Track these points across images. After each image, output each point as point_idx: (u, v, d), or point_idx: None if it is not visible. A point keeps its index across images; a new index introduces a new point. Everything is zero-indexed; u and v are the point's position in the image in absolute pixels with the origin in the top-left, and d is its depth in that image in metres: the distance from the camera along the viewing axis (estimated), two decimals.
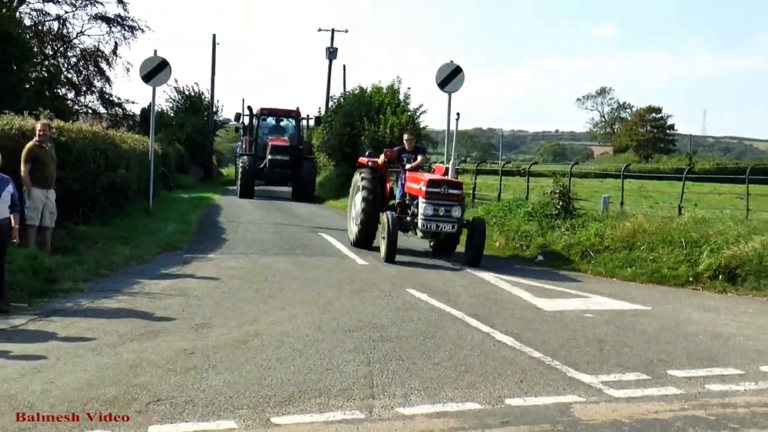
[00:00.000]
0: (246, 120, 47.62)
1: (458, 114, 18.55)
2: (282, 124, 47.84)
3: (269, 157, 43.01)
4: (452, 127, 25.88)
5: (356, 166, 22.28)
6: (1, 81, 28.47)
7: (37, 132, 15.64)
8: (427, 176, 18.96)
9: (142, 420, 7.39)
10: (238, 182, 43.75)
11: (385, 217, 18.82)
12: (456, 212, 18.56)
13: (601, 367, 9.98)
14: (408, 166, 20.17)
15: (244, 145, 45.80)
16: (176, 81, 64.14)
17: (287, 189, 46.82)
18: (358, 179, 21.34)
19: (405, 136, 21.27)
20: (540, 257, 20.25)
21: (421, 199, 18.70)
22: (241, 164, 43.76)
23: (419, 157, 20.50)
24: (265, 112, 47.06)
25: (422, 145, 24.76)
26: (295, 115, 47.43)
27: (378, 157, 21.38)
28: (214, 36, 64.36)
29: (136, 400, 7.94)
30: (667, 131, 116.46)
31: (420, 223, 18.60)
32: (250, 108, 47.10)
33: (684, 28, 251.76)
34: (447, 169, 19.98)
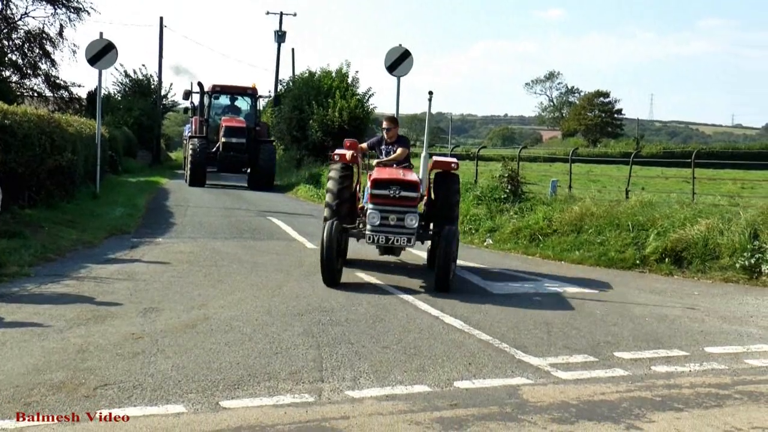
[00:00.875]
0: (196, 99, 43.23)
1: (431, 93, 15.61)
2: (237, 103, 42.98)
3: (223, 139, 38.89)
4: (400, 111, 25.82)
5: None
6: None
7: None
8: (375, 174, 14.36)
9: (90, 405, 7.32)
10: (188, 168, 39.35)
11: (323, 230, 13.90)
12: (411, 221, 13.74)
13: (549, 350, 10.06)
14: (376, 161, 15.29)
15: (193, 127, 41.38)
16: (122, 65, 63.48)
17: (240, 176, 43.23)
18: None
19: (384, 124, 15.93)
20: (489, 241, 20.34)
21: (368, 204, 14.32)
22: (190, 147, 39.00)
23: (399, 150, 15.24)
24: (218, 89, 42.17)
25: (406, 135, 18.69)
26: (251, 92, 42.63)
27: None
28: (161, 18, 63.82)
29: (83, 384, 7.86)
30: (615, 115, 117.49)
31: (366, 234, 14.03)
32: (200, 84, 42.35)
33: (630, 12, 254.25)
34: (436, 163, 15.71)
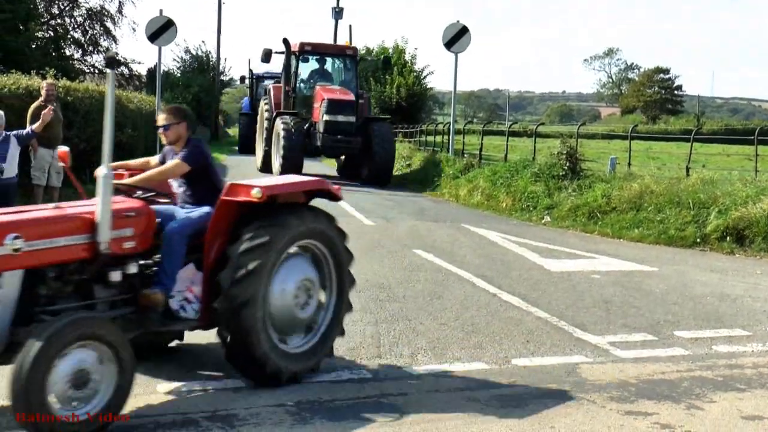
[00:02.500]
0: (281, 61, 31.90)
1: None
2: (330, 67, 32.21)
3: (326, 117, 27.91)
4: (458, 88, 25.75)
5: None
6: (9, 41, 28.42)
7: (42, 92, 15.61)
8: None
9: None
10: (279, 155, 27.65)
11: None
12: None
13: (608, 328, 10.01)
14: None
15: (272, 99, 31.43)
16: (185, 41, 63.86)
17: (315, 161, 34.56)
18: None
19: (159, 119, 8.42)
20: (547, 218, 20.24)
21: None
22: (282, 127, 27.75)
23: (168, 163, 7.92)
24: (308, 49, 31.10)
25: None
26: (351, 54, 31.85)
27: None
28: (219, 0, 64.03)
29: None
30: (675, 92, 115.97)
31: None
32: (286, 42, 30.38)
33: None
34: None
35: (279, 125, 27.94)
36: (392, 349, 8.70)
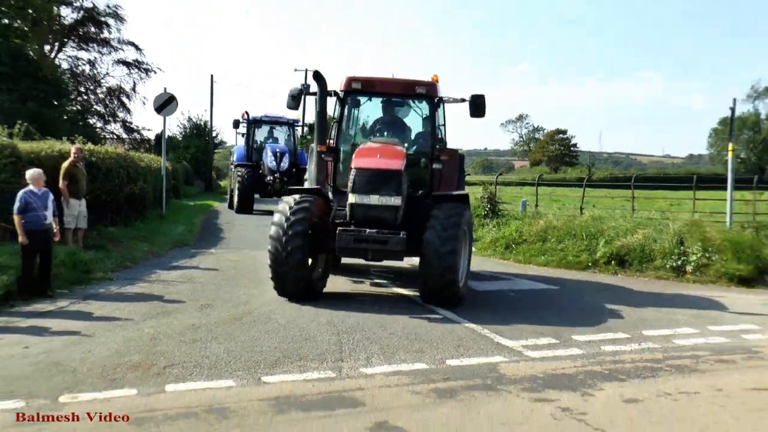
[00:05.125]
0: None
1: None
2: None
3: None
4: None
5: None
6: (45, 114, 28.19)
7: (72, 154, 15.50)
8: None
9: (160, 381, 7.38)
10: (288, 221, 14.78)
11: None
12: None
13: (521, 334, 10.09)
14: None
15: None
16: (189, 111, 63.31)
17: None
18: None
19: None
20: (473, 248, 20.36)
21: None
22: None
23: None
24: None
25: None
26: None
27: None
28: (211, 76, 64.16)
29: (155, 365, 7.93)
30: (571, 148, 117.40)
31: None
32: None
33: (582, 65, 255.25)
34: None
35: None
36: (352, 354, 8.71)
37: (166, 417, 6.50)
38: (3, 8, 30.80)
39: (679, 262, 15.65)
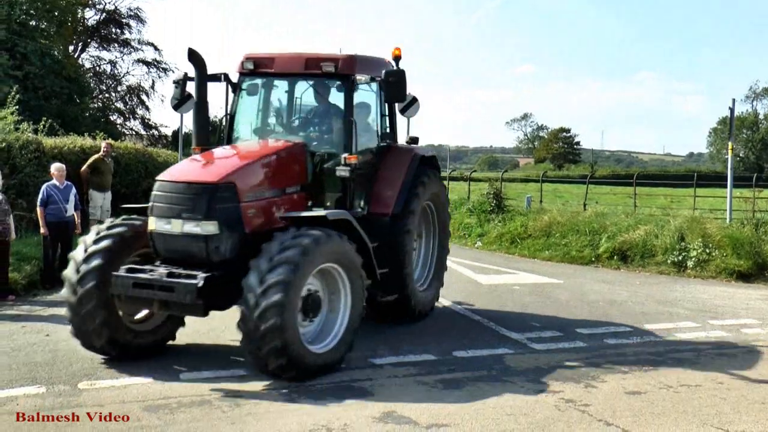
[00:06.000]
0: None
1: None
2: None
3: None
4: None
5: None
6: (67, 111, 28.27)
7: (102, 149, 15.60)
8: None
9: (175, 369, 7.31)
10: None
11: None
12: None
13: (526, 327, 10.01)
14: None
15: None
16: None
17: None
18: None
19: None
20: (479, 243, 20.27)
21: None
22: None
23: None
24: None
25: None
26: None
27: None
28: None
29: (169, 353, 7.86)
30: (575, 146, 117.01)
31: None
32: None
33: (583, 67, 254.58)
34: None
35: None
36: (360, 345, 8.63)
37: (180, 404, 6.46)
38: (31, 11, 31.05)
39: (680, 258, 15.52)
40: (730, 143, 18.78)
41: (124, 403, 6.52)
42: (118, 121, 46.50)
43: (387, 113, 9.76)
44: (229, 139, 9.34)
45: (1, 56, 25.12)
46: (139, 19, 44.36)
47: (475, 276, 14.38)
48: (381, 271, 8.63)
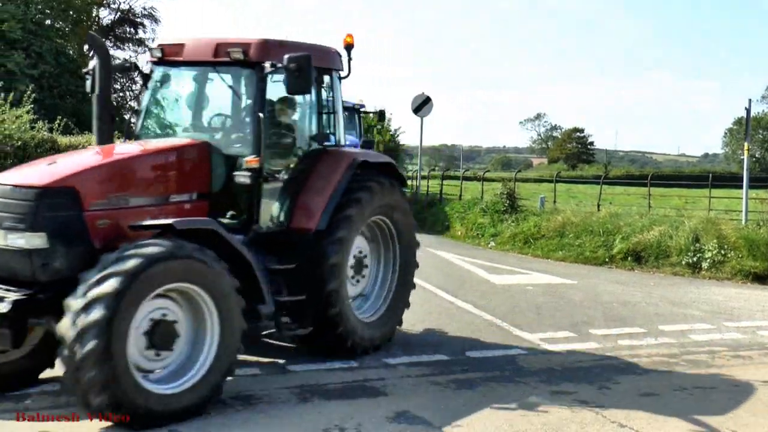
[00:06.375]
0: None
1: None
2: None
3: None
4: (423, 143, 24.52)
5: None
6: (83, 110, 28.49)
7: None
8: None
9: None
10: None
11: None
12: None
13: (539, 327, 9.98)
14: None
15: None
16: None
17: None
18: None
19: None
20: (492, 243, 20.23)
21: None
22: None
23: None
24: None
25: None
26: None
27: None
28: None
29: None
30: (588, 146, 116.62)
31: None
32: None
33: (596, 65, 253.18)
34: None
35: None
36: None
37: None
38: (47, 10, 31.24)
39: (695, 259, 15.44)
40: (746, 144, 18.65)
41: None
42: (132, 119, 46.69)
43: (330, 110, 8.36)
44: (129, 135, 8.41)
45: (17, 55, 25.29)
46: (154, 19, 44.53)
47: (488, 276, 14.35)
48: (291, 298, 7.31)
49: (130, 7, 43.41)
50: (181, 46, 7.80)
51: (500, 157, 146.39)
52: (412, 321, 9.97)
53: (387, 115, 34.15)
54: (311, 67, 7.22)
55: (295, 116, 8.20)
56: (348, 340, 7.83)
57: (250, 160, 7.21)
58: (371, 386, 7.15)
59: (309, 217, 7.65)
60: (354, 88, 40.51)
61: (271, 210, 7.62)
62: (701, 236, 15.90)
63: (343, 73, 8.51)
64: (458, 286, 13.05)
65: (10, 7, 26.57)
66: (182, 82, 8.24)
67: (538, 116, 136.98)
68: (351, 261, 8.17)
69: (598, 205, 22.00)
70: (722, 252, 15.29)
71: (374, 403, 6.66)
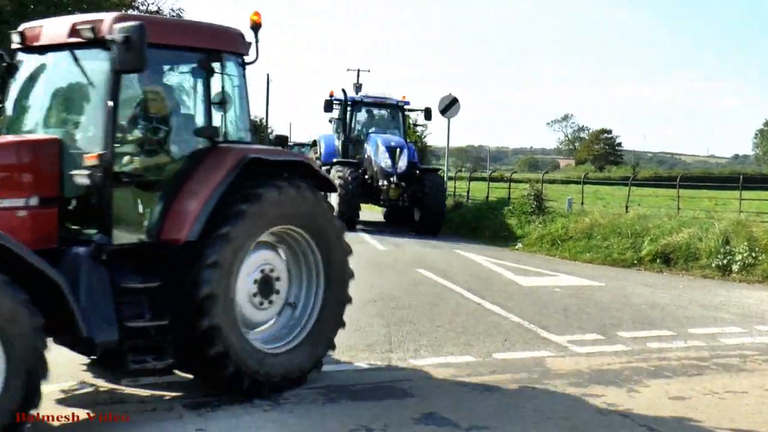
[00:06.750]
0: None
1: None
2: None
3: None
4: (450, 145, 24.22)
5: None
6: None
7: None
8: None
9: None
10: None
11: None
12: None
13: (567, 329, 9.93)
14: None
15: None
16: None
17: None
18: None
19: None
20: (519, 245, 20.14)
21: None
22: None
23: None
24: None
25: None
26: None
27: None
28: (267, 75, 64.28)
29: None
30: (616, 148, 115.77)
31: None
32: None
33: (625, 66, 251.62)
34: None
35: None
36: (400, 346, 8.66)
37: (221, 402, 6.50)
38: (76, 11, 31.68)
39: (725, 262, 15.27)
40: None
41: (165, 401, 6.58)
42: None
43: (227, 101, 7.07)
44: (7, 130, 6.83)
45: None
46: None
47: (515, 278, 14.29)
48: (150, 324, 6.07)
49: (158, 8, 43.79)
50: (40, 28, 6.62)
51: (527, 158, 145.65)
52: (439, 321, 9.98)
53: (414, 117, 33.81)
54: (144, 39, 5.79)
55: (174, 108, 6.85)
56: (264, 380, 6.55)
57: (89, 157, 5.93)
58: (398, 387, 7.15)
59: (179, 226, 6.28)
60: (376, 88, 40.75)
61: (132, 218, 6.41)
62: (731, 238, 15.73)
63: (248, 58, 7.22)
64: (486, 287, 13.01)
65: (40, 8, 26.93)
66: (42, 69, 6.85)
67: (566, 117, 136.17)
68: (256, 277, 6.79)
69: (627, 207, 21.84)
70: (753, 255, 15.11)
71: (401, 404, 6.66)
